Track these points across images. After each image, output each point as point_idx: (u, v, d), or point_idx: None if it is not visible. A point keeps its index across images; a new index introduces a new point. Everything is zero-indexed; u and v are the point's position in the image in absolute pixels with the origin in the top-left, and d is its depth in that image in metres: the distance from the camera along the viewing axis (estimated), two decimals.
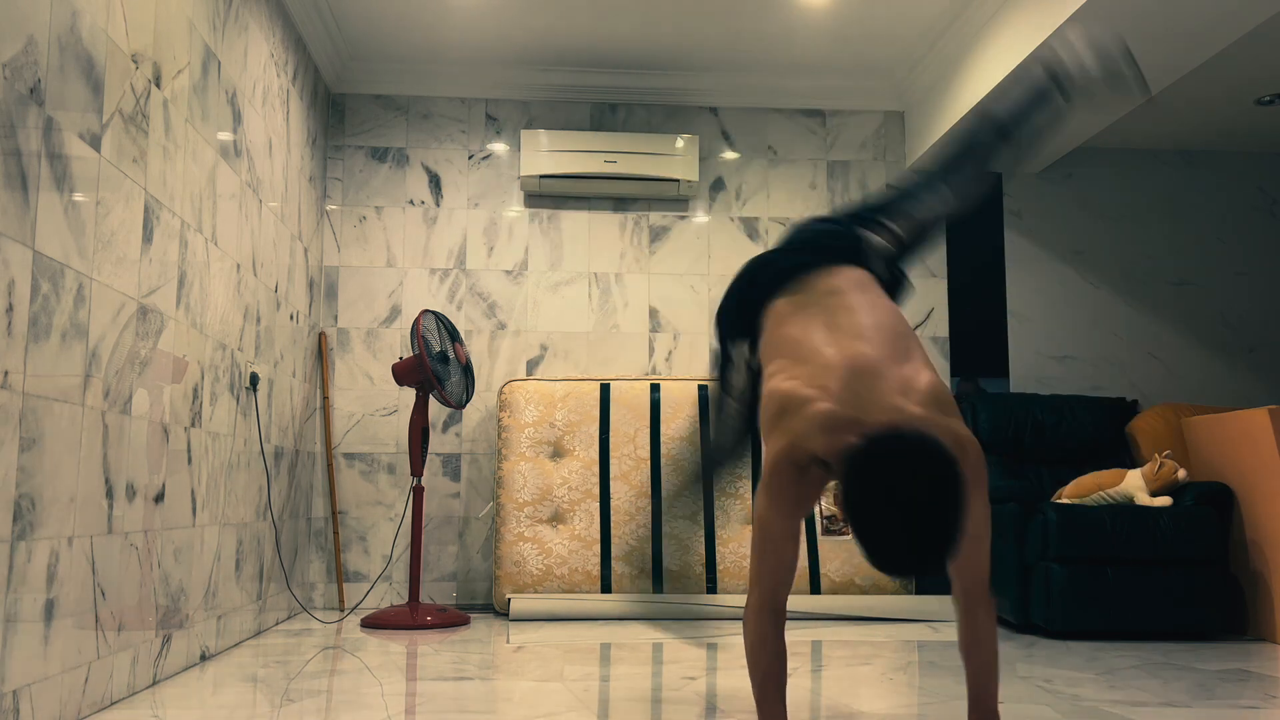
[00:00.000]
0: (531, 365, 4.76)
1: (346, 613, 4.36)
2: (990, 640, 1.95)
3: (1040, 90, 2.35)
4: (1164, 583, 3.81)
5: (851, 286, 2.07)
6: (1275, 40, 4.07)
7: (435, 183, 4.82)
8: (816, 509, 4.48)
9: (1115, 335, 5.07)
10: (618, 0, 4.17)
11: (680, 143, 4.72)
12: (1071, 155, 5.10)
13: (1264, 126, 4.99)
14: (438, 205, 4.81)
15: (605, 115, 4.91)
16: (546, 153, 4.65)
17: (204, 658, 3.13)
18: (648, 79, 4.86)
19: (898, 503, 1.59)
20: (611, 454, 4.47)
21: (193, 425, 2.99)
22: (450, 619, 4.04)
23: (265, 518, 3.77)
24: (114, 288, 2.42)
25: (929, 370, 1.91)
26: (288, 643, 3.52)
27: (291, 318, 4.14)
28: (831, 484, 2.51)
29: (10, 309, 1.94)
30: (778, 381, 1.93)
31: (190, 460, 2.98)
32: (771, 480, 1.85)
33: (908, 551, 1.61)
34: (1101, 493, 4.07)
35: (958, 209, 2.33)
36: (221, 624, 3.30)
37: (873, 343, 1.91)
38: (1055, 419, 4.59)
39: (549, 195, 4.84)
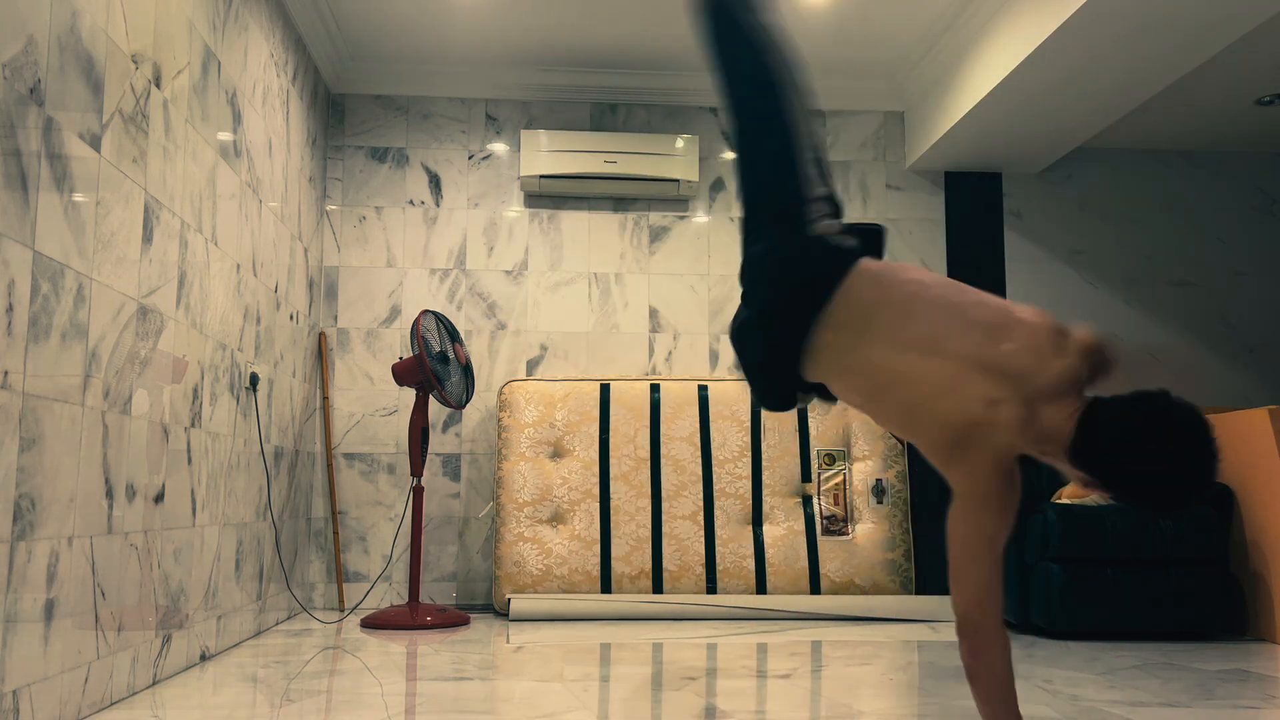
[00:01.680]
0: (531, 365, 4.76)
1: (346, 613, 4.36)
2: (977, 685, 1.84)
3: None
4: (1164, 583, 3.81)
5: (903, 277, 2.04)
6: (1275, 40, 4.07)
7: (435, 183, 4.82)
8: (816, 508, 4.48)
9: (1115, 335, 5.06)
10: (618, 0, 4.17)
11: (680, 143, 4.72)
12: (1071, 155, 5.10)
13: (1264, 126, 4.99)
14: (438, 205, 4.81)
15: (605, 115, 4.91)
16: (546, 153, 4.65)
17: (204, 658, 3.13)
18: (648, 79, 4.86)
19: (1172, 434, 1.74)
20: (611, 454, 4.47)
21: (193, 425, 2.99)
22: (450, 619, 4.04)
23: (265, 518, 3.77)
24: (114, 288, 2.42)
25: (1026, 309, 1.93)
26: (288, 643, 3.52)
27: (291, 318, 4.14)
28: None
29: (10, 309, 1.94)
30: (938, 405, 1.87)
31: (190, 460, 2.98)
32: (990, 496, 1.83)
33: (1205, 473, 1.75)
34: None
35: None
36: (221, 624, 3.30)
37: (976, 314, 1.93)
38: None
39: (549, 195, 4.84)
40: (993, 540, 1.83)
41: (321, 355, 4.63)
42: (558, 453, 4.50)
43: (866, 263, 2.06)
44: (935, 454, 1.90)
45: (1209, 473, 1.75)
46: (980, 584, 1.83)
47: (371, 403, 4.67)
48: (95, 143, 2.32)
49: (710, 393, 4.58)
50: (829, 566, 4.40)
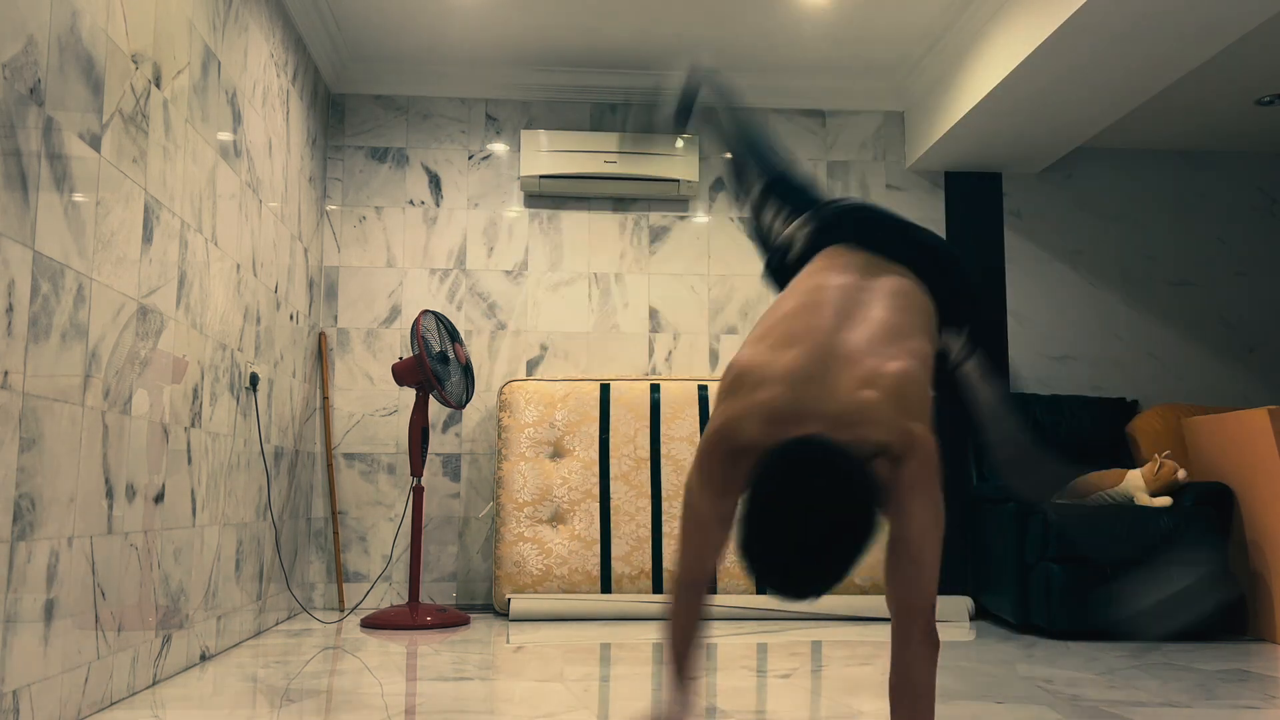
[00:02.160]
0: (531, 365, 4.76)
1: (346, 613, 4.36)
2: (923, 686, 1.65)
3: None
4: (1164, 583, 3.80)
5: (887, 284, 1.89)
6: (1275, 40, 4.07)
7: (435, 183, 4.82)
8: None
9: (1115, 335, 5.07)
10: (618, 0, 4.17)
11: (680, 143, 4.72)
12: (1071, 155, 5.10)
13: (1264, 126, 4.99)
14: (438, 205, 4.81)
15: (605, 115, 4.91)
16: (546, 153, 4.65)
17: (204, 658, 3.13)
18: (648, 79, 4.86)
19: (783, 512, 1.48)
20: (611, 454, 4.47)
21: (193, 425, 2.99)
22: (450, 619, 4.04)
23: (265, 518, 3.77)
24: (114, 288, 2.42)
25: (907, 359, 1.70)
26: (288, 643, 3.52)
27: (291, 318, 4.14)
28: None
29: (10, 309, 1.94)
30: (743, 350, 1.77)
31: (190, 460, 2.98)
32: (703, 460, 1.70)
33: (783, 568, 1.51)
34: (1101, 493, 4.07)
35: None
36: (221, 624, 3.30)
37: (864, 330, 1.75)
38: (1055, 419, 4.59)
39: (549, 195, 4.84)
40: (690, 500, 1.76)
41: (321, 355, 4.63)
42: (558, 453, 4.50)
43: (822, 258, 2.03)
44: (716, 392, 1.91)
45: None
46: (679, 541, 1.79)
47: (371, 403, 4.67)
48: (95, 143, 2.32)
49: (710, 393, 4.58)
50: None
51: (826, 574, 1.51)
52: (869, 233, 2.01)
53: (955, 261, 2.02)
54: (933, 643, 1.67)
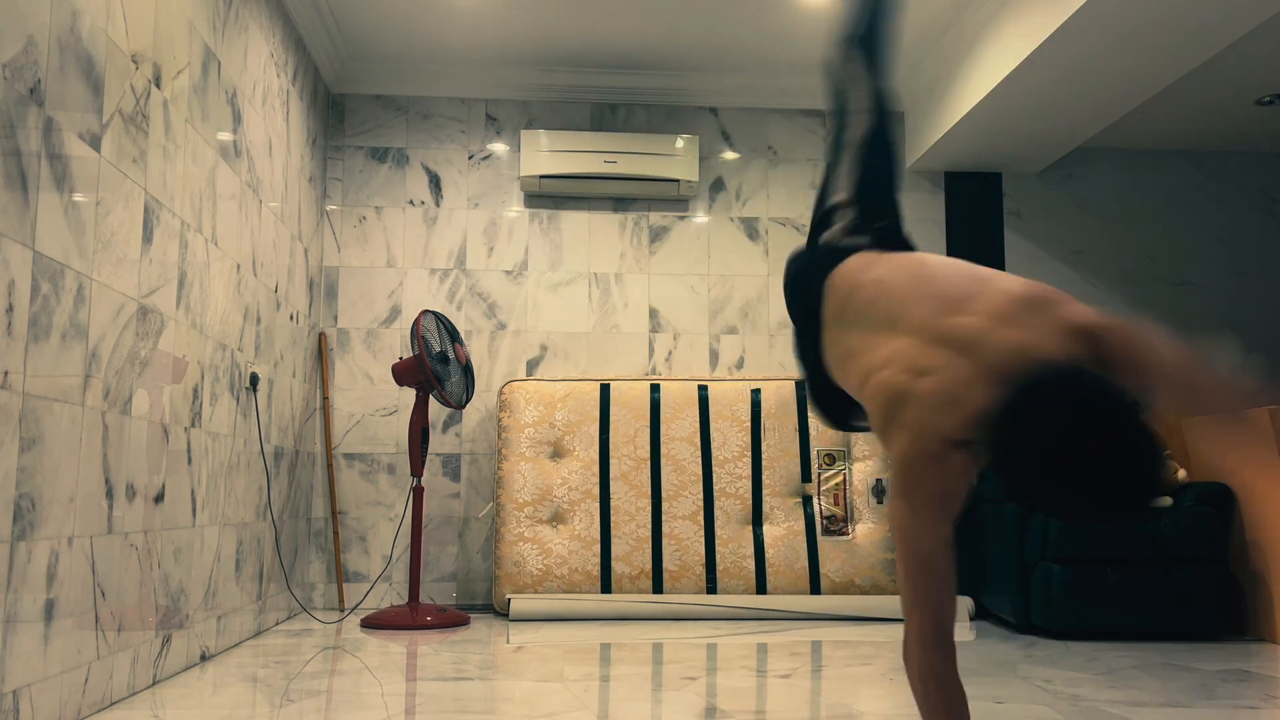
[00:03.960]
0: (531, 365, 4.76)
1: (346, 613, 4.36)
2: (921, 704, 1.58)
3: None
4: (1164, 583, 3.81)
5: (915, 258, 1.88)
6: (1275, 40, 4.07)
7: (435, 183, 4.82)
8: (816, 508, 4.48)
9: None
10: (618, 0, 4.17)
11: (680, 143, 4.72)
12: (1071, 155, 5.10)
13: (1264, 126, 4.99)
14: (438, 205, 4.81)
15: (605, 115, 4.91)
16: (546, 153, 4.66)
17: (204, 658, 3.13)
18: (648, 79, 4.86)
19: (1081, 448, 1.38)
20: (611, 454, 4.47)
21: (193, 425, 2.99)
22: (450, 619, 4.04)
23: (265, 518, 3.77)
24: (114, 288, 2.42)
25: (1014, 279, 1.68)
26: (288, 643, 3.52)
27: (291, 318, 4.14)
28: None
29: (10, 309, 1.94)
30: (875, 378, 1.68)
31: (190, 460, 2.98)
32: (906, 482, 1.58)
33: (1117, 490, 1.40)
34: None
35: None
36: (221, 624, 3.30)
37: (943, 285, 1.70)
38: None
39: (549, 195, 4.84)
40: (906, 535, 1.57)
41: (321, 355, 4.63)
42: (558, 453, 4.50)
43: (856, 257, 1.94)
44: (877, 435, 1.69)
45: (1134, 478, 1.41)
46: (905, 589, 1.59)
47: (371, 403, 4.67)
48: (95, 143, 2.32)
49: (710, 393, 4.58)
50: (829, 566, 4.39)
51: (1147, 455, 1.42)
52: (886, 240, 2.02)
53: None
54: (924, 664, 1.56)
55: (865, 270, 1.89)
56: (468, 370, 4.34)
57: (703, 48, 4.61)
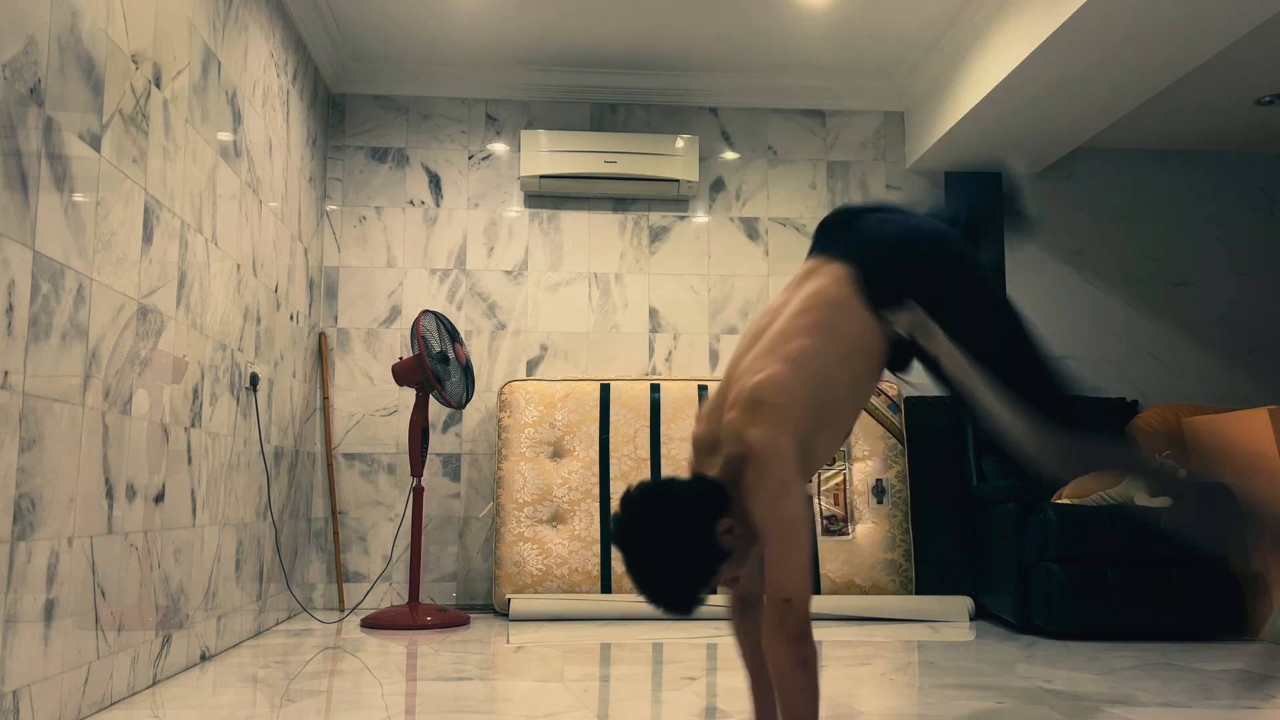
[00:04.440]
0: (531, 365, 4.76)
1: (346, 613, 4.36)
2: (786, 690, 1.68)
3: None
4: (1164, 583, 3.81)
5: (806, 289, 1.94)
6: (1275, 40, 4.07)
7: (435, 183, 4.82)
8: (816, 508, 4.48)
9: (1115, 335, 5.07)
10: (618, 0, 4.17)
11: (680, 143, 4.72)
12: (1071, 155, 5.10)
13: (1264, 126, 4.99)
14: (438, 205, 4.81)
15: (605, 115, 4.91)
16: (546, 153, 4.65)
17: (204, 658, 3.13)
18: (648, 79, 4.86)
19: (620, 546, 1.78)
20: (611, 454, 4.47)
21: (193, 425, 2.99)
22: (450, 619, 4.04)
23: (265, 518, 3.77)
24: (114, 288, 2.42)
25: (774, 365, 1.81)
26: (288, 643, 3.52)
27: (291, 318, 4.14)
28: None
29: (10, 309, 1.94)
30: None
31: (190, 460, 2.98)
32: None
33: (640, 590, 1.78)
34: (1101, 493, 4.07)
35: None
36: (221, 624, 3.30)
37: (758, 348, 1.88)
38: None
39: (549, 195, 4.84)
40: (802, 516, 1.87)
41: (321, 355, 4.63)
42: (558, 453, 4.50)
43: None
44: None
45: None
46: (791, 567, 1.77)
47: (371, 403, 4.67)
48: (95, 143, 2.32)
49: (710, 392, 4.57)
50: (829, 567, 4.40)
51: (666, 589, 1.76)
52: (821, 236, 2.07)
53: (883, 241, 1.97)
54: (796, 645, 1.67)
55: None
56: (468, 370, 4.34)
57: (703, 48, 4.61)
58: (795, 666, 1.66)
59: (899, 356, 2.02)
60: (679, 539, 1.73)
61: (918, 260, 1.93)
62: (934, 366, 2.00)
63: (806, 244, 4.91)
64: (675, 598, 1.76)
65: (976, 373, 1.90)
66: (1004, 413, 1.90)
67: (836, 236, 2.03)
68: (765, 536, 1.73)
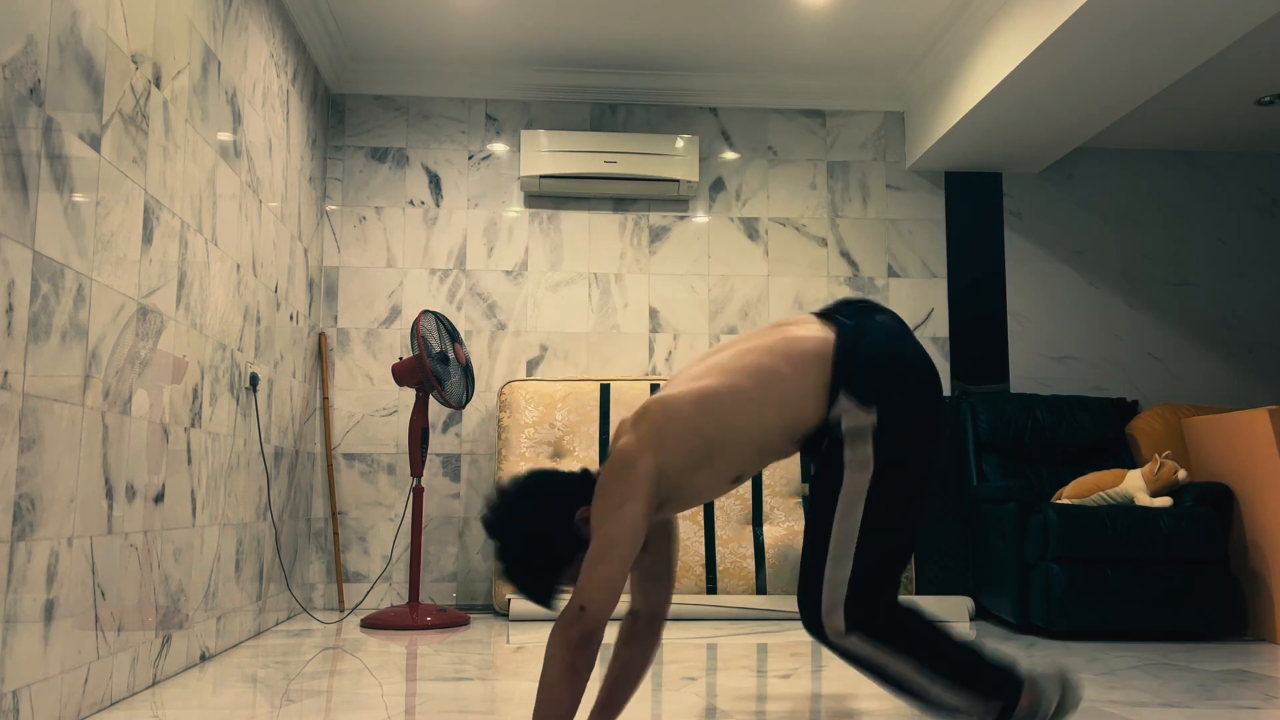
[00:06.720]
0: (531, 365, 4.76)
1: (346, 613, 4.36)
2: (547, 691, 1.69)
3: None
4: (1164, 583, 3.81)
5: (777, 334, 1.88)
6: (1275, 40, 4.07)
7: (435, 183, 4.82)
8: None
9: (1115, 335, 5.07)
10: (617, 0, 4.17)
11: (680, 143, 4.72)
12: (1071, 155, 5.10)
13: (1264, 126, 4.99)
14: (438, 205, 4.81)
15: (605, 115, 4.91)
16: (546, 153, 4.65)
17: (204, 658, 3.13)
18: (648, 79, 4.86)
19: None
20: None
21: (193, 425, 2.99)
22: (450, 619, 4.04)
23: (265, 518, 3.77)
24: (114, 288, 2.42)
25: (681, 389, 1.87)
26: (288, 643, 3.52)
27: (291, 318, 4.14)
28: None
29: (10, 309, 1.94)
30: None
31: (190, 460, 2.98)
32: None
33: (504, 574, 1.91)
34: (1101, 493, 4.07)
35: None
36: (221, 624, 3.30)
37: (699, 364, 1.94)
38: (1055, 419, 4.59)
39: (549, 195, 4.84)
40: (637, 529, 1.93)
41: (321, 355, 4.63)
42: (558, 453, 4.50)
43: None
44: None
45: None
46: (600, 575, 1.79)
47: (371, 403, 4.67)
48: (95, 143, 2.32)
49: None
50: None
51: (525, 580, 1.87)
52: (840, 305, 1.93)
53: (898, 345, 1.83)
54: (573, 652, 1.69)
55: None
56: (468, 370, 4.34)
57: (703, 48, 4.61)
58: (564, 671, 1.68)
59: (811, 443, 1.86)
60: (530, 520, 1.86)
61: (915, 387, 1.80)
62: (826, 476, 1.82)
63: (806, 244, 4.92)
64: (528, 581, 1.85)
65: (852, 512, 1.78)
66: (836, 554, 1.79)
67: (855, 312, 1.90)
68: (591, 540, 1.79)
